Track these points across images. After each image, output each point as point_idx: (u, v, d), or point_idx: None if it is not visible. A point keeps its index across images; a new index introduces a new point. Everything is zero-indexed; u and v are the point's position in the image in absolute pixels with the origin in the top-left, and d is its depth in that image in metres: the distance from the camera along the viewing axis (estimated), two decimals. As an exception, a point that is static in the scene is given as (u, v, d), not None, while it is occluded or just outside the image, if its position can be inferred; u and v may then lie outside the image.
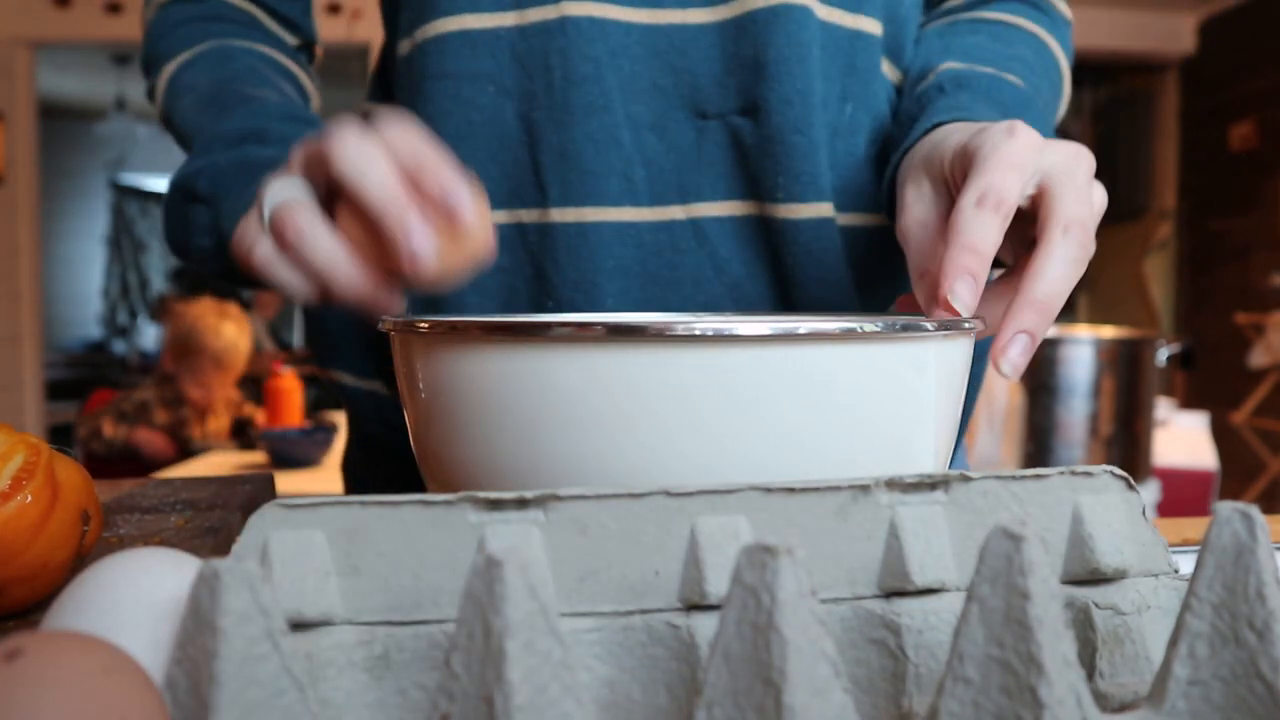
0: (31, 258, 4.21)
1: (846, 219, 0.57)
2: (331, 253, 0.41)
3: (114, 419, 2.70)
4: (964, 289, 0.37)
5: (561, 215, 0.55)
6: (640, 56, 0.55)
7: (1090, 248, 0.40)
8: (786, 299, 0.56)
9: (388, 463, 0.65)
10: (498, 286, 0.57)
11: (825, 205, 0.55)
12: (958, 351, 0.37)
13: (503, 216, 0.57)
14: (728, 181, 0.56)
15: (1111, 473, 0.30)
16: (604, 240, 0.55)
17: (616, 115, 0.55)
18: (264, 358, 3.57)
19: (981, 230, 0.38)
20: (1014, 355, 0.37)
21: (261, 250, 0.44)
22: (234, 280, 0.55)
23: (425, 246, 0.38)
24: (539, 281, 0.56)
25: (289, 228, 0.41)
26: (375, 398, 0.63)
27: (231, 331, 2.78)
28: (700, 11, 0.55)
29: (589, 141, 0.55)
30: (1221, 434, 3.57)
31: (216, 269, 0.54)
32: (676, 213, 0.55)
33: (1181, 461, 2.69)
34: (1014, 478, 0.29)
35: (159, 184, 7.08)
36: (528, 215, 0.56)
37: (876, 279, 0.58)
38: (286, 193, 0.42)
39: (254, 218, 0.44)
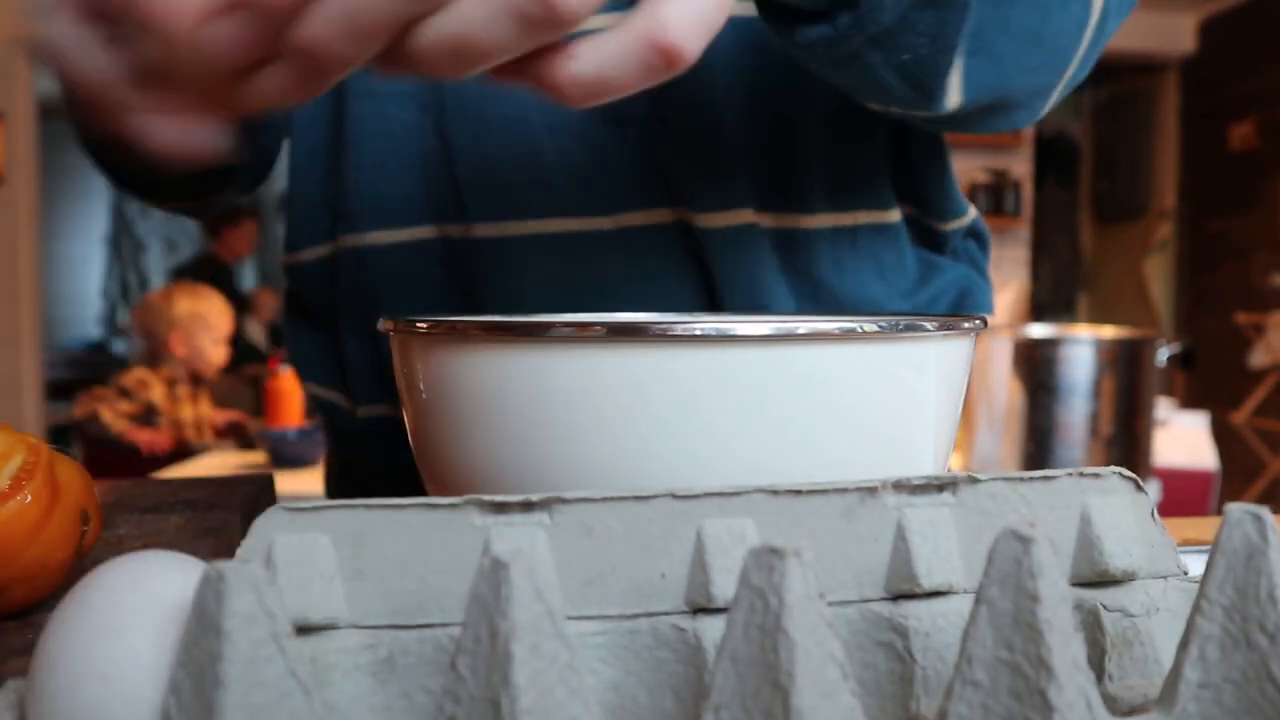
0: (31, 258, 4.20)
1: (776, 220, 0.56)
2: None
3: (115, 398, 2.78)
4: None
5: (484, 230, 0.55)
6: None
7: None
8: (718, 308, 0.55)
9: (359, 468, 0.65)
10: (427, 302, 0.57)
11: (746, 212, 0.54)
12: (958, 351, 0.36)
13: (429, 232, 0.57)
14: (651, 190, 0.55)
15: (1120, 474, 0.29)
16: (530, 252, 0.54)
17: (534, 125, 0.54)
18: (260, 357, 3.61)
19: None
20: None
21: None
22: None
23: None
24: (467, 297, 0.56)
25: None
26: (335, 408, 0.63)
27: (215, 298, 3.02)
28: (610, 17, 0.54)
29: (506, 154, 0.54)
30: (1222, 434, 3.57)
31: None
32: (603, 223, 0.55)
33: (1182, 461, 2.69)
34: (1021, 479, 0.29)
35: (158, 184, 7.08)
36: (453, 230, 0.56)
37: (812, 285, 0.57)
38: None
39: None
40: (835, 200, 0.57)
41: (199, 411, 2.94)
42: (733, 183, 0.54)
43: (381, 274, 0.58)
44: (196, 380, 2.95)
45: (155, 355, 2.95)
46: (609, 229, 0.55)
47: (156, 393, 2.87)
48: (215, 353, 2.95)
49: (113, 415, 2.80)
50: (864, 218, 0.58)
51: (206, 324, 2.93)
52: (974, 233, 0.65)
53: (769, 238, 0.55)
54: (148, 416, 2.86)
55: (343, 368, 0.61)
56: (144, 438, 2.76)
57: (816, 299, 0.57)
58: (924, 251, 0.62)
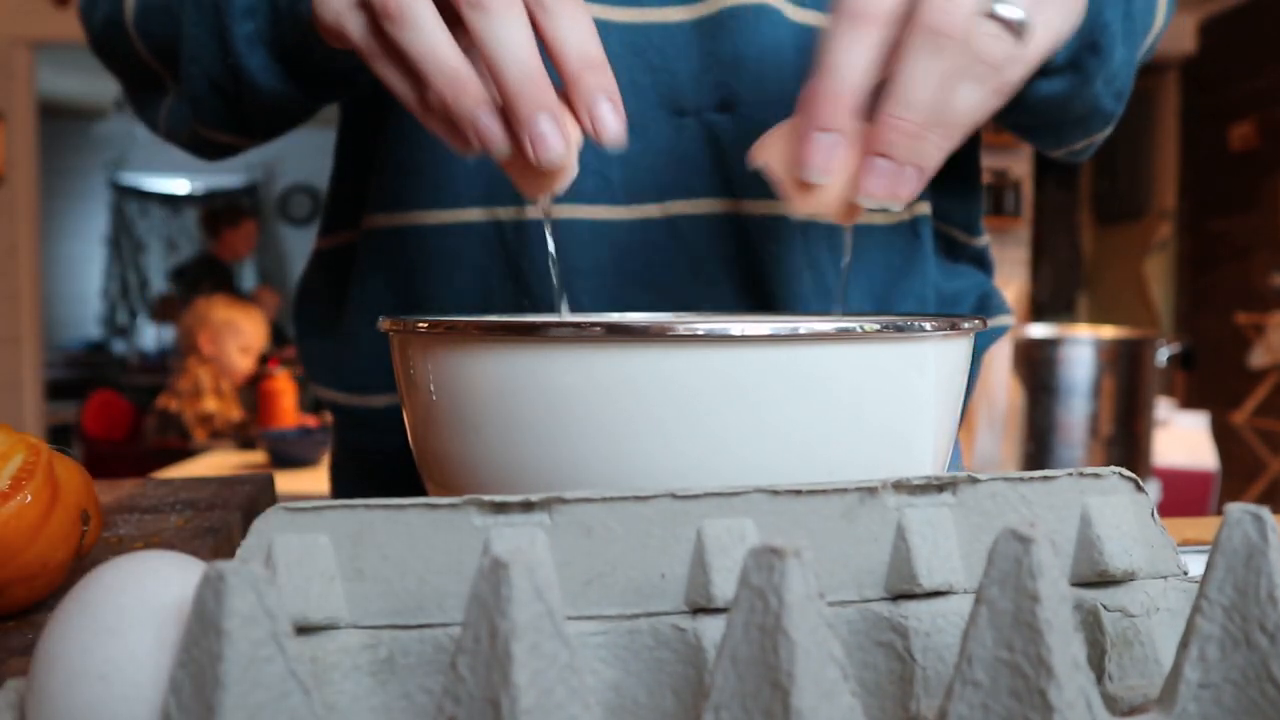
0: (31, 258, 4.20)
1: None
2: (441, 45, 0.37)
3: (175, 399, 2.93)
4: (823, 144, 0.35)
5: (536, 212, 0.55)
6: (619, 55, 0.55)
7: (966, 55, 0.35)
8: (763, 298, 0.56)
9: (365, 463, 0.65)
10: (474, 285, 0.57)
11: None
12: (957, 351, 0.36)
13: (480, 214, 0.56)
14: (704, 179, 0.55)
15: (1120, 474, 0.29)
16: (579, 239, 0.55)
17: None
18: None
19: (842, 50, 0.35)
20: (872, 183, 0.36)
21: (353, 26, 0.40)
22: (300, 94, 0.52)
23: (554, 144, 0.37)
24: (515, 280, 0.56)
25: (392, 5, 0.37)
26: (341, 406, 0.63)
27: (255, 313, 3.15)
28: (678, 10, 0.55)
29: None
30: (1221, 434, 3.57)
31: (271, 85, 0.51)
32: (653, 211, 0.55)
33: (1181, 461, 2.69)
34: (1021, 479, 0.29)
35: (159, 184, 7.09)
36: (504, 213, 0.56)
37: (855, 278, 0.58)
38: None
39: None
40: None
41: (223, 409, 3.00)
42: None
43: (428, 255, 0.57)
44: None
45: (189, 351, 3.04)
46: (658, 217, 0.55)
47: (206, 380, 2.97)
48: (241, 360, 3.04)
49: (179, 404, 2.92)
50: (906, 215, 0.59)
51: (236, 330, 3.04)
52: (983, 257, 0.67)
53: (819, 229, 0.56)
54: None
55: (354, 361, 0.61)
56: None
57: (861, 291, 0.57)
58: (943, 260, 0.63)
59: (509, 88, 0.37)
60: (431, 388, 0.35)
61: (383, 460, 0.62)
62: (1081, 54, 0.48)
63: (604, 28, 0.55)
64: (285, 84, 0.52)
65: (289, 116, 0.56)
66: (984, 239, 0.66)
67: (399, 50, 0.38)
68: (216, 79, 0.53)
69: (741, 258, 0.55)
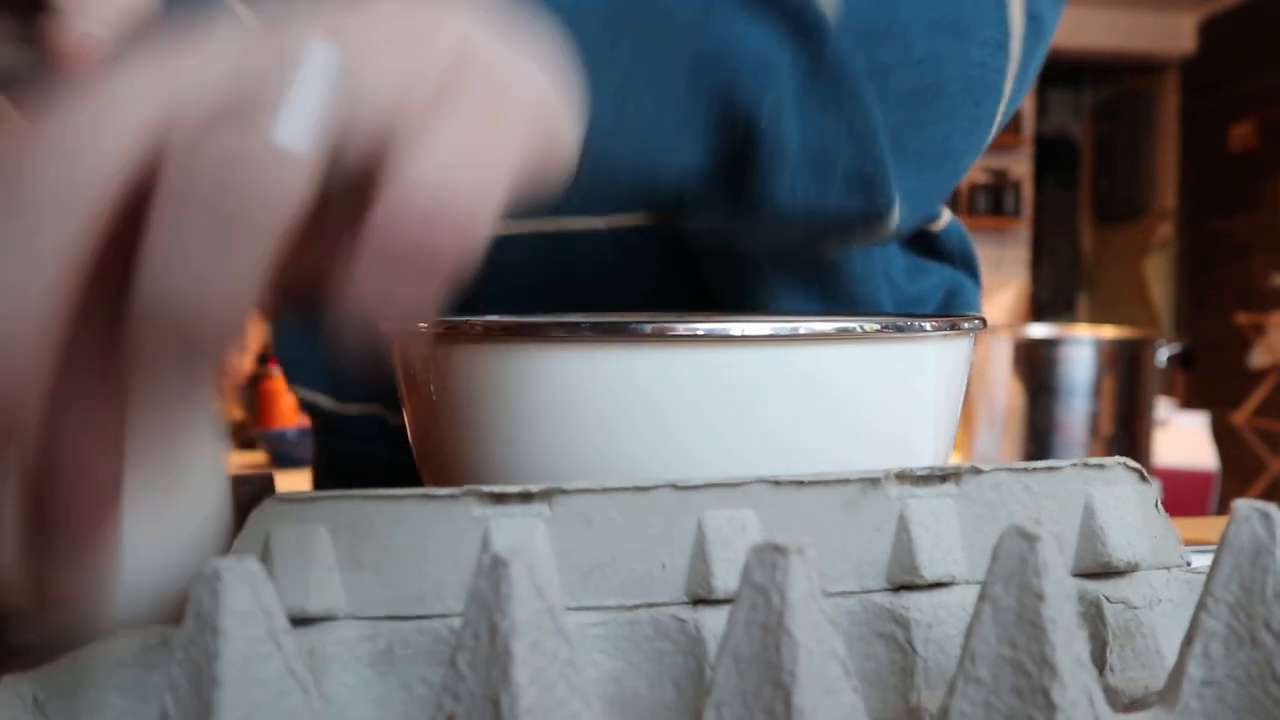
0: (30, 257, 4.21)
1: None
2: None
3: None
4: None
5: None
6: None
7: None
8: (713, 309, 0.55)
9: (347, 465, 0.65)
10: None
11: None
12: (958, 351, 0.36)
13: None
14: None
15: (1124, 464, 0.29)
16: (524, 253, 0.54)
17: None
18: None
19: None
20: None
21: None
22: None
23: None
24: (460, 297, 0.55)
25: None
26: (322, 410, 0.62)
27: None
28: None
29: None
30: (1221, 434, 3.57)
31: None
32: (597, 223, 0.54)
33: (1181, 461, 2.69)
34: (1025, 470, 0.29)
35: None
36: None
37: (804, 284, 0.57)
38: None
39: None
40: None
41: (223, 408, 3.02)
42: None
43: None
44: None
45: None
46: (602, 229, 0.54)
47: None
48: (238, 360, 3.04)
49: None
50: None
51: None
52: (954, 230, 0.65)
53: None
54: None
55: (331, 366, 0.60)
56: None
57: (809, 297, 0.56)
58: (912, 254, 0.62)
59: None
60: (431, 388, 0.35)
61: (362, 469, 0.61)
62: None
63: None
64: None
65: None
66: (947, 218, 0.64)
67: None
68: None
69: (684, 270, 0.54)
